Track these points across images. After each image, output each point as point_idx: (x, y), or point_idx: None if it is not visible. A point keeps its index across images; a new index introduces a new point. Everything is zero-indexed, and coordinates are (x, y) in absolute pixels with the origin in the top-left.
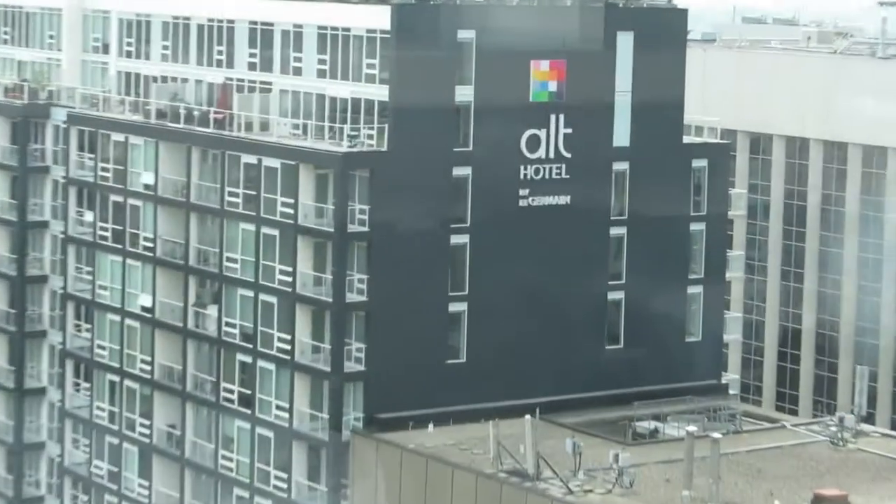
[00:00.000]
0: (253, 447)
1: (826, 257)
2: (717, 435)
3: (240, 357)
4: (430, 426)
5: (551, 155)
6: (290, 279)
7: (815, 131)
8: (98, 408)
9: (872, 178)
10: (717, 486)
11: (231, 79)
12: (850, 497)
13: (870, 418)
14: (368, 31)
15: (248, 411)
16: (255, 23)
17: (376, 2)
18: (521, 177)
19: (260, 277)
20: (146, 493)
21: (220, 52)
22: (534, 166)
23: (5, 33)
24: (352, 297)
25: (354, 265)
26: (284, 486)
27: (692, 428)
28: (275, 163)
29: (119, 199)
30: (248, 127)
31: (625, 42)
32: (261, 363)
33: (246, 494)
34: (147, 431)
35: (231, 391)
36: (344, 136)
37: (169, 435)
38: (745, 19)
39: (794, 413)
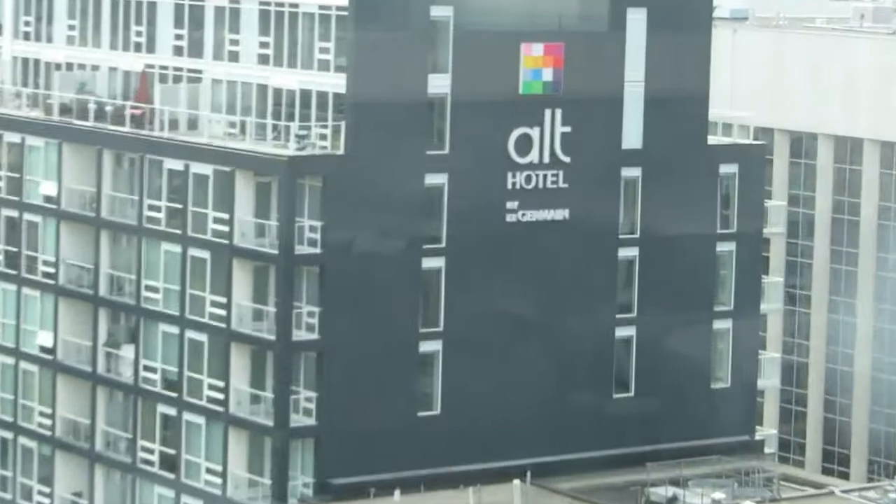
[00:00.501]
0: None
1: (884, 284)
2: (749, 503)
3: (161, 409)
4: (397, 494)
5: (546, 159)
6: (223, 313)
7: (870, 130)
8: None
9: None
10: None
11: (152, 66)
12: None
13: None
14: (321, 7)
15: (172, 476)
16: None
17: None
18: (510, 186)
19: (187, 310)
20: None
21: (138, 34)
22: (525, 173)
23: None
24: (300, 335)
25: (303, 295)
26: None
27: (719, 495)
28: (206, 169)
29: (13, 213)
30: (173, 125)
31: (636, 20)
32: (187, 416)
33: None
34: (46, 501)
35: (151, 451)
36: (291, 137)
37: None
38: None
39: (845, 476)
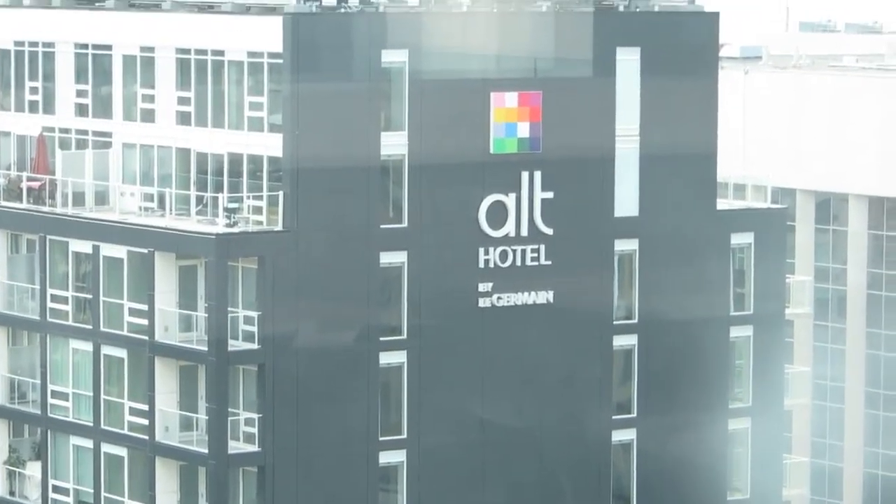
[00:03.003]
0: None
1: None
2: None
3: None
4: None
5: (524, 232)
6: (146, 422)
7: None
8: None
9: None
10: None
11: (51, 129)
12: None
13: None
14: (251, 54)
15: None
16: (86, 46)
17: (261, 11)
18: (482, 265)
19: (102, 420)
20: None
21: (33, 91)
22: (499, 249)
23: None
24: (237, 447)
25: (240, 400)
26: None
27: None
28: (119, 251)
29: None
30: (79, 200)
31: (628, 63)
32: None
33: None
34: None
35: None
36: (219, 211)
37: None
38: (805, 25)
39: None
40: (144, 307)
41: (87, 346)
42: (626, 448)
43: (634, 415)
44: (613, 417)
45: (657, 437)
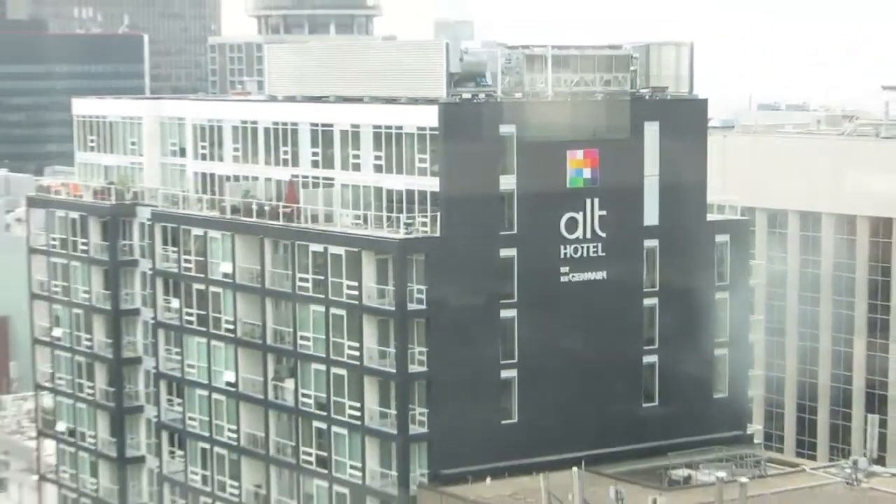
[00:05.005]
0: None
1: (839, 320)
2: (743, 479)
3: (316, 424)
4: (488, 480)
5: (588, 235)
6: (357, 354)
7: (826, 206)
8: (192, 472)
9: (879, 247)
10: None
11: (297, 176)
12: None
13: (880, 461)
14: (419, 128)
15: (325, 471)
16: (317, 125)
17: (425, 102)
18: (562, 256)
19: (330, 353)
20: None
21: (285, 153)
22: (573, 246)
23: (91, 141)
24: (414, 368)
25: (415, 340)
26: None
27: (721, 474)
28: (339, 250)
29: (201, 286)
30: (314, 218)
31: (651, 130)
32: (335, 429)
33: None
34: (236, 492)
35: (309, 454)
36: (401, 225)
37: (256, 494)
38: (761, 106)
39: (813, 458)
40: (356, 284)
41: (321, 309)
42: (651, 367)
43: (656, 346)
44: (643, 348)
45: (670, 360)
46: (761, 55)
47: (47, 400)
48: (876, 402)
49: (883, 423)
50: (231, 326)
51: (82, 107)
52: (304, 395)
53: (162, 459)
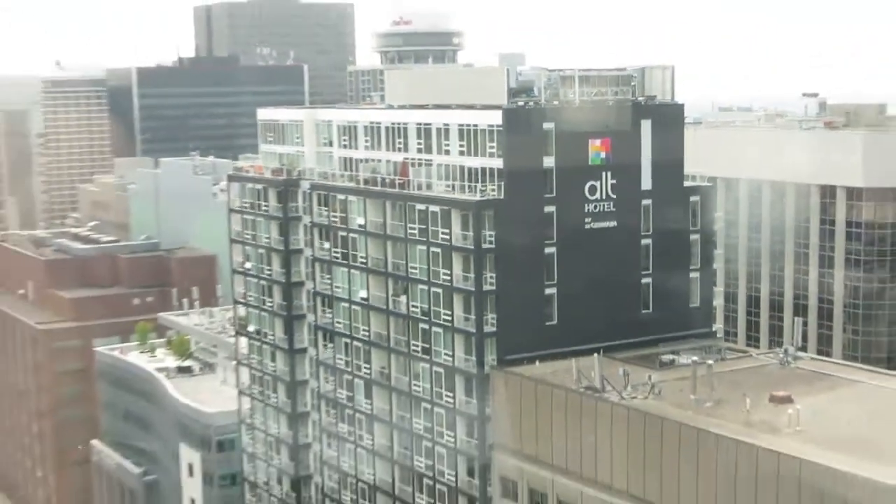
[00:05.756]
0: (432, 379)
1: (775, 252)
2: (709, 362)
3: (421, 325)
4: (537, 362)
5: (603, 196)
6: (448, 278)
7: (765, 175)
8: (338, 358)
9: (803, 202)
10: (711, 392)
11: (407, 158)
12: (793, 396)
13: (803, 349)
14: (489, 125)
15: (427, 357)
16: (420, 124)
17: (493, 108)
18: (586, 211)
19: (430, 277)
20: (370, 408)
21: (399, 143)
22: (592, 204)
23: (269, 137)
24: (486, 287)
25: (487, 268)
26: (451, 401)
27: (695, 358)
28: (436, 208)
29: (343, 233)
30: (419, 187)
31: (646, 125)
32: (434, 329)
33: (428, 407)
34: (368, 372)
35: (416, 346)
36: (477, 191)
37: (381, 373)
38: (720, 109)
39: (757, 347)
40: (447, 231)
41: (424, 248)
42: (647, 286)
43: (651, 271)
44: (642, 272)
45: (660, 281)
46: (765, 55)
47: (241, 310)
48: (800, 309)
49: (805, 324)
50: (364, 260)
51: (264, 114)
52: (413, 306)
53: (318, 350)
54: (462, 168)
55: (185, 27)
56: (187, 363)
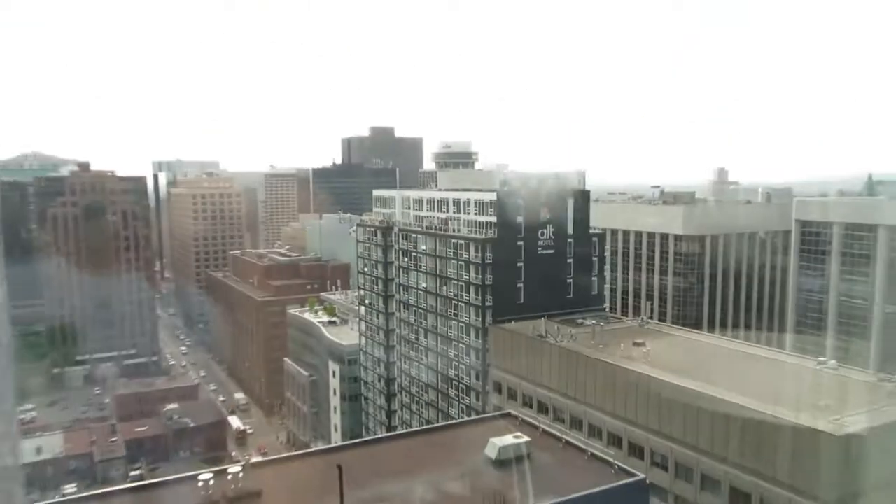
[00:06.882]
0: (458, 329)
1: (636, 266)
2: (601, 324)
3: (452, 301)
4: (512, 322)
5: (548, 237)
6: (467, 277)
7: (632, 227)
8: (410, 318)
9: (653, 242)
10: (601, 341)
11: (448, 216)
12: (646, 343)
13: (651, 318)
14: (490, 200)
15: (456, 318)
16: (456, 199)
17: (491, 191)
18: (539, 244)
19: (458, 277)
20: (425, 344)
21: (444, 208)
22: (542, 241)
23: (378, 204)
24: (487, 282)
25: (488, 272)
26: (467, 341)
27: (593, 321)
28: (462, 241)
29: (415, 254)
30: (454, 230)
31: (570, 201)
32: (460, 303)
33: (456, 343)
34: (425, 325)
35: (450, 312)
36: (483, 232)
37: (432, 326)
38: (611, 192)
39: (627, 316)
40: (467, 252)
41: (455, 261)
42: (570, 283)
43: (571, 275)
44: (567, 275)
45: (577, 280)
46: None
47: (361, 293)
48: (650, 297)
49: (651, 306)
50: (424, 268)
51: (376, 193)
52: (449, 291)
53: (400, 313)
54: (476, 221)
55: (336, 147)
56: (333, 319)
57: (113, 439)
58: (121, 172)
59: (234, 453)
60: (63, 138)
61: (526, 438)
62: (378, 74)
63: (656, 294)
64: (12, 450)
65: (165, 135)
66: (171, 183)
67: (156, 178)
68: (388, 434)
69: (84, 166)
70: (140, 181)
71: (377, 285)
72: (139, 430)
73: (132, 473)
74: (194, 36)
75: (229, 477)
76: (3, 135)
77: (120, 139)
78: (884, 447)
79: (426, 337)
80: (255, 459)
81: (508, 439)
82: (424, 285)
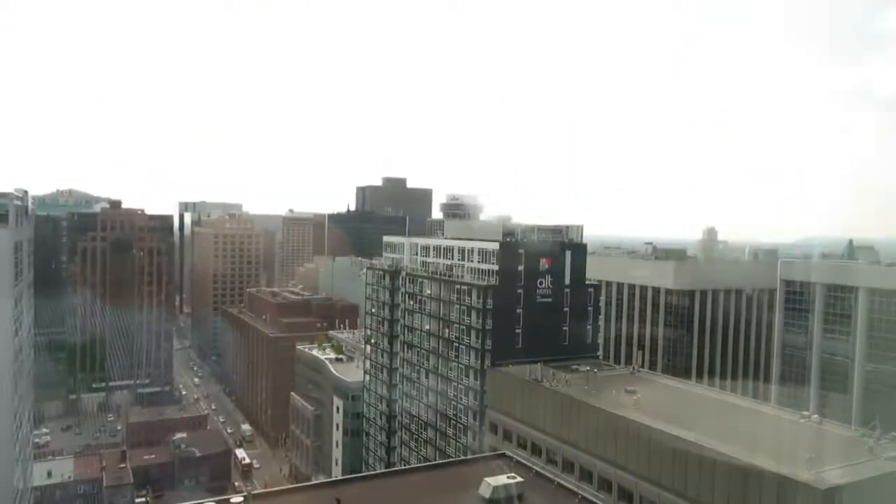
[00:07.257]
0: (458, 370)
1: (630, 317)
2: (595, 370)
3: (454, 344)
4: (510, 366)
5: (546, 286)
6: (468, 321)
7: (626, 280)
8: (413, 358)
9: (644, 294)
10: (594, 387)
11: (453, 263)
12: (636, 390)
13: (642, 367)
14: (493, 249)
15: (457, 360)
16: (460, 248)
17: (494, 241)
18: (538, 293)
19: (460, 321)
20: (426, 384)
21: (449, 255)
22: (541, 289)
23: (388, 249)
24: (487, 327)
25: (488, 317)
26: (467, 382)
27: (587, 368)
28: (465, 287)
29: (420, 297)
30: (458, 276)
31: (568, 254)
32: (461, 346)
33: (455, 384)
34: (427, 365)
35: (451, 354)
36: (485, 279)
37: (433, 366)
38: (606, 246)
39: (619, 364)
40: (470, 298)
41: (458, 305)
42: (566, 331)
43: (568, 323)
44: (563, 323)
45: (573, 327)
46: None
47: (367, 332)
48: (641, 346)
49: (642, 355)
50: (428, 311)
51: (386, 239)
52: (451, 334)
53: (403, 353)
54: (479, 269)
55: (351, 194)
56: (340, 356)
57: (122, 465)
58: (150, 211)
59: (237, 484)
60: (100, 178)
61: (519, 479)
62: (392, 131)
63: (647, 344)
64: (24, 473)
65: (194, 177)
66: (196, 222)
67: (181, 217)
68: (387, 470)
69: (115, 204)
70: (167, 220)
71: (383, 325)
72: (148, 457)
73: (137, 500)
74: (223, 80)
75: None
76: (41, 171)
77: (152, 180)
78: (864, 501)
79: (427, 377)
80: (256, 491)
81: (502, 479)
82: (428, 327)
